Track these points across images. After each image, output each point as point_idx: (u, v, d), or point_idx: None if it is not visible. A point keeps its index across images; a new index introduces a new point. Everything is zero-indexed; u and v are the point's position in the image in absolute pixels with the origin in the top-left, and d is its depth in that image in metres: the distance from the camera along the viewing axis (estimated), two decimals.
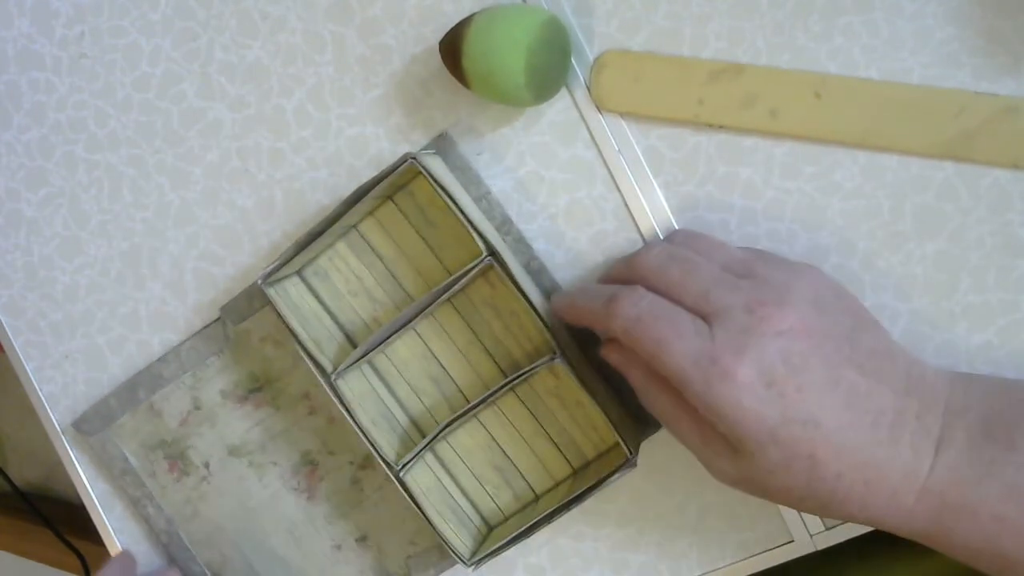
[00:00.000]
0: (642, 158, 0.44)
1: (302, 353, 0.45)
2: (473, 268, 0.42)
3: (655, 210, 0.45)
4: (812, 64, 0.42)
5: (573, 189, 0.46)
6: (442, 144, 0.46)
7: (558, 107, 0.45)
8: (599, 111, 0.45)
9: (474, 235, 0.42)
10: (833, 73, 0.41)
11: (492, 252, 0.42)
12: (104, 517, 0.55)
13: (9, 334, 0.55)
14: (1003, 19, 0.39)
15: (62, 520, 1.13)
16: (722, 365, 0.35)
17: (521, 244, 0.46)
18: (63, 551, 1.13)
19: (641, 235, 0.45)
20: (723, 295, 0.37)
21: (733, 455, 0.37)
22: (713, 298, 0.37)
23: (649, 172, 0.45)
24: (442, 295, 0.44)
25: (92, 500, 0.55)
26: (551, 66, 0.42)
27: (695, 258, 0.39)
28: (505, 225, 0.46)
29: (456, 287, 0.44)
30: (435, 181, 0.42)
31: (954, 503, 0.35)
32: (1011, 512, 0.34)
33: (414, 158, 0.42)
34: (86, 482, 0.55)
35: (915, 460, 0.35)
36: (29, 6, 0.52)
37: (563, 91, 0.45)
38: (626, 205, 0.45)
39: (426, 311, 0.46)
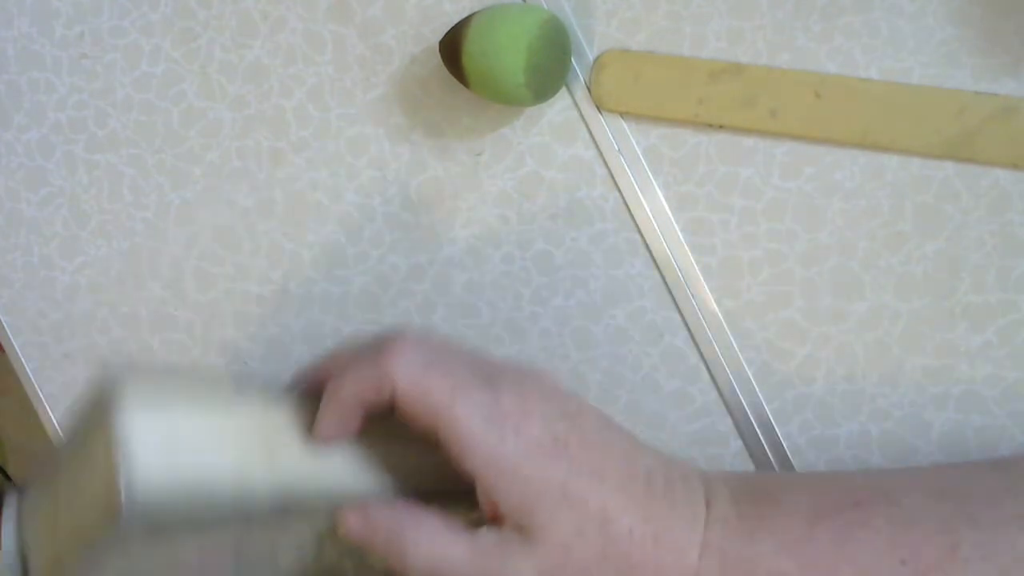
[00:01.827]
0: (642, 158, 0.44)
1: None
2: None
3: (655, 210, 0.45)
4: (812, 64, 0.42)
5: (573, 189, 0.46)
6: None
7: (558, 107, 0.45)
8: (599, 111, 0.45)
9: None
10: (833, 73, 0.41)
11: None
12: None
13: (9, 334, 0.55)
14: (1003, 19, 0.39)
15: None
16: (514, 420, 0.33)
17: None
18: None
19: (641, 235, 0.45)
20: (494, 368, 0.36)
21: (523, 545, 0.33)
22: (486, 368, 0.35)
23: (649, 172, 0.45)
24: None
25: None
26: (551, 66, 0.42)
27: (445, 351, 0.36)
28: None
29: None
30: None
31: (734, 558, 0.34)
32: (789, 568, 0.34)
33: None
34: None
35: (691, 514, 0.35)
36: (29, 6, 0.52)
37: (563, 91, 0.45)
38: (626, 205, 0.45)
39: None
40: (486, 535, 0.34)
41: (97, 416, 0.30)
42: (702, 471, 0.37)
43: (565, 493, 0.34)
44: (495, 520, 0.34)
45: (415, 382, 0.33)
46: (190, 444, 0.29)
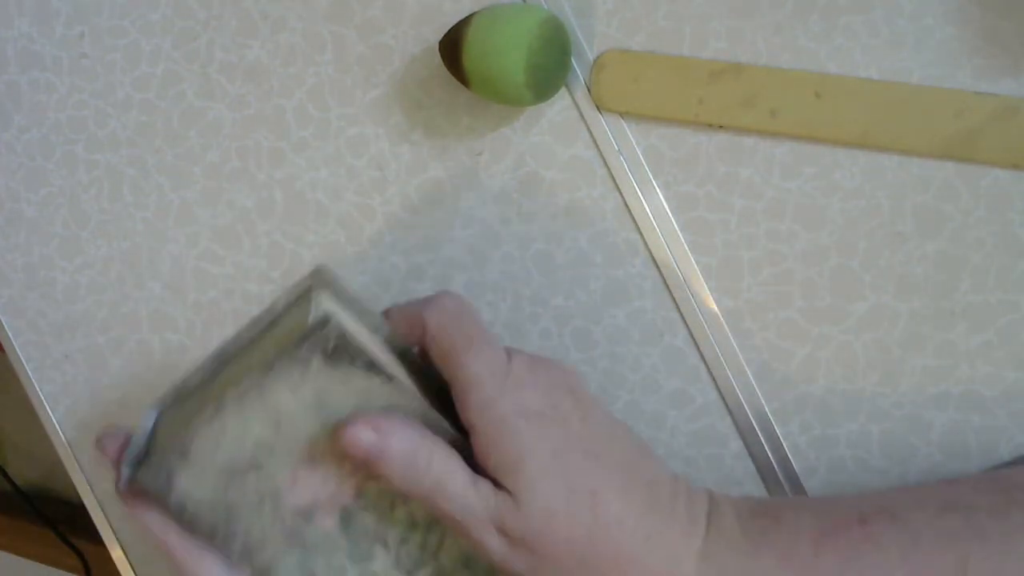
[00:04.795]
0: (642, 158, 0.44)
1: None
2: None
3: (655, 210, 0.45)
4: (812, 64, 0.42)
5: (573, 189, 0.46)
6: (321, 279, 0.38)
7: (558, 107, 0.45)
8: (599, 111, 0.45)
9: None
10: (833, 73, 0.41)
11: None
12: (104, 517, 0.55)
13: (9, 334, 0.55)
14: (1003, 19, 0.39)
15: (62, 520, 1.13)
16: (516, 378, 0.35)
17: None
18: (63, 551, 1.13)
19: (641, 235, 0.45)
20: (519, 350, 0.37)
21: (511, 503, 0.34)
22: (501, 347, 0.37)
23: (649, 172, 0.45)
24: None
25: (92, 500, 0.55)
26: (551, 66, 0.42)
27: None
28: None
29: None
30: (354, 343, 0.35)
31: (735, 573, 0.34)
32: None
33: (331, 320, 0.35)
34: (86, 482, 0.55)
35: (691, 525, 0.35)
36: (29, 6, 0.52)
37: (563, 91, 0.45)
38: (626, 205, 0.45)
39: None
40: (486, 483, 0.34)
41: (297, 296, 0.38)
42: (710, 491, 0.37)
43: (556, 461, 0.34)
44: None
45: (441, 326, 0.36)
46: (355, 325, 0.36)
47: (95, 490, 0.55)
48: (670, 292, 0.45)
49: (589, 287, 0.46)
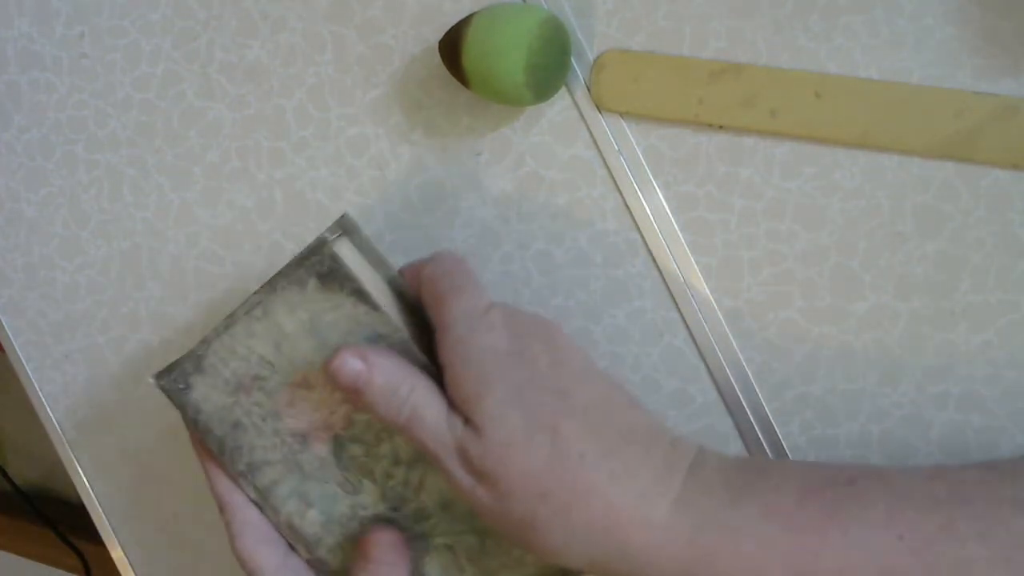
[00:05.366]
0: (642, 158, 0.45)
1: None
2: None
3: (655, 210, 0.45)
4: (812, 64, 0.42)
5: (573, 189, 0.46)
6: (345, 225, 0.40)
7: (558, 107, 0.45)
8: (599, 111, 0.45)
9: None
10: (833, 73, 0.41)
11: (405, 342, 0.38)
12: (104, 517, 0.55)
13: (9, 334, 0.55)
14: (1003, 19, 0.39)
15: (62, 520, 1.13)
16: (489, 321, 0.36)
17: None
18: (63, 551, 1.13)
19: (641, 235, 0.45)
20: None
21: (475, 435, 0.34)
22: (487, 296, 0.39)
23: (649, 172, 0.45)
24: None
25: (92, 500, 0.55)
26: (551, 65, 0.42)
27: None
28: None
29: None
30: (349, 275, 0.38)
31: (714, 521, 0.33)
32: (774, 532, 0.33)
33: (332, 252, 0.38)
34: (86, 482, 0.55)
35: (667, 471, 0.34)
36: (29, 6, 0.52)
37: (563, 91, 0.45)
38: (626, 205, 0.45)
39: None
40: (458, 416, 0.36)
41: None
42: (702, 446, 0.37)
43: (518, 396, 0.34)
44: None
45: (434, 274, 0.39)
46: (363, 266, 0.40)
47: (95, 490, 0.55)
48: (670, 292, 0.45)
49: (589, 287, 0.46)
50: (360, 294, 0.38)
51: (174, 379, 0.40)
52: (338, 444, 0.40)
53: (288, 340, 0.39)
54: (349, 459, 0.40)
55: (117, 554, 0.56)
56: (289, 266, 0.38)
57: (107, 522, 0.55)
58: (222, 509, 0.40)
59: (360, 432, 0.39)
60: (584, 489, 0.33)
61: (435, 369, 0.38)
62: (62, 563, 1.21)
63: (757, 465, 0.36)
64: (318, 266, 0.38)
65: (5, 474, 1.10)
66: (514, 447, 0.34)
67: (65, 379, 0.55)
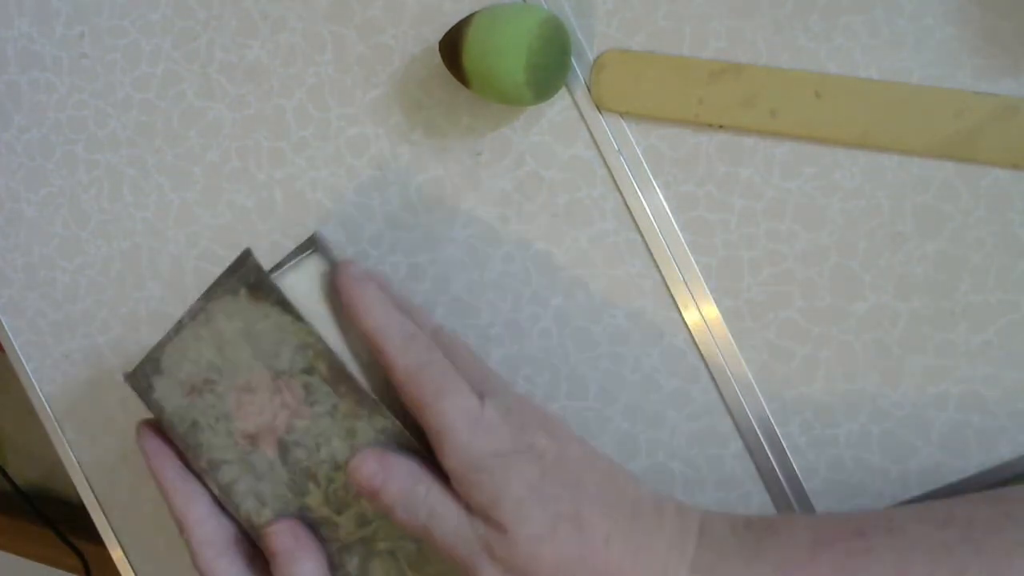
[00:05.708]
0: (642, 158, 0.44)
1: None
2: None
3: (655, 210, 0.45)
4: (812, 64, 0.42)
5: (573, 189, 0.46)
6: (316, 244, 0.42)
7: (558, 107, 0.45)
8: (599, 111, 0.45)
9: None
10: (833, 73, 0.41)
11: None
12: (104, 517, 0.55)
13: (9, 334, 0.55)
14: (1003, 19, 0.39)
15: (62, 520, 1.13)
16: (488, 423, 0.36)
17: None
18: (63, 551, 1.13)
19: (641, 235, 0.45)
20: (496, 382, 0.39)
21: (500, 536, 0.35)
22: (490, 380, 0.39)
23: (649, 172, 0.45)
24: None
25: (92, 500, 0.55)
26: (551, 65, 0.42)
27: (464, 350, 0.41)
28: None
29: None
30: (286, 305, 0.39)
31: None
32: None
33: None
34: (86, 482, 0.55)
35: (680, 537, 0.35)
36: (29, 6, 0.52)
37: (563, 91, 0.45)
38: (626, 205, 0.45)
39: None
40: (477, 517, 0.36)
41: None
42: (703, 509, 0.37)
43: (534, 492, 0.35)
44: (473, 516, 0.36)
45: (409, 374, 0.37)
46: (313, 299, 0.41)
47: (95, 490, 0.55)
48: (670, 292, 0.45)
49: (589, 287, 0.46)
50: (284, 304, 0.39)
51: (138, 378, 0.42)
52: (283, 447, 0.41)
53: (229, 346, 0.40)
54: (294, 462, 0.40)
55: (117, 554, 0.56)
56: (224, 275, 0.40)
57: (107, 522, 0.55)
58: (181, 528, 0.41)
59: (300, 437, 0.40)
60: (614, 570, 0.35)
61: (365, 387, 0.39)
62: (62, 563, 1.21)
63: (764, 523, 0.36)
64: (245, 277, 0.39)
65: (5, 474, 1.10)
66: (543, 541, 0.34)
67: (65, 379, 0.55)
